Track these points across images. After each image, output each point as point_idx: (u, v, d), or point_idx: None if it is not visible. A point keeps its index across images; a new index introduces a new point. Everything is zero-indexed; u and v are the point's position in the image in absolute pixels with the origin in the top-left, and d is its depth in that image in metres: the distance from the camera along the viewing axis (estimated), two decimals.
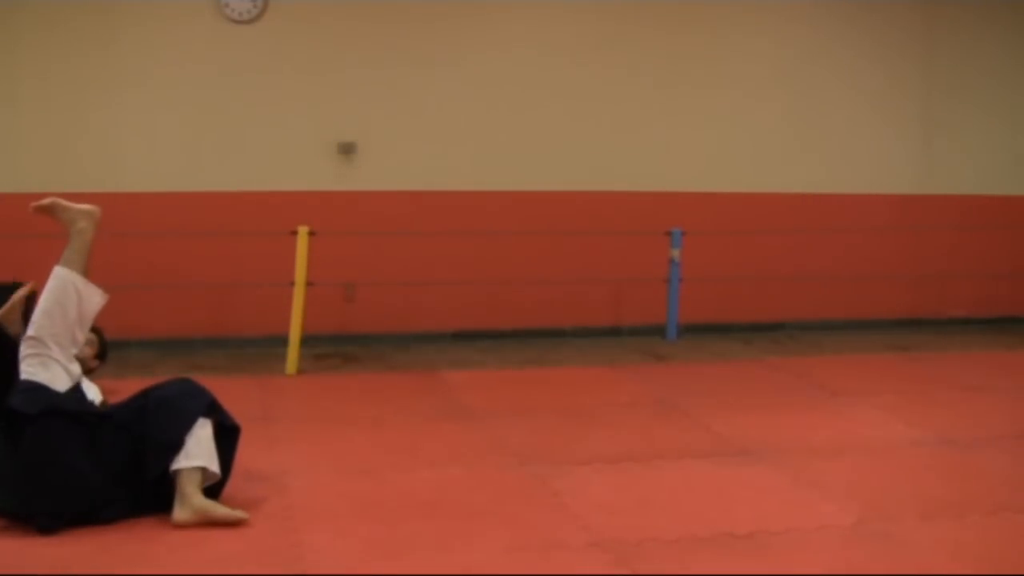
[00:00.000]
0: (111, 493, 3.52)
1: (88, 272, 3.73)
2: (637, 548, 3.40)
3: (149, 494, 3.58)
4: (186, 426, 3.59)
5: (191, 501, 3.50)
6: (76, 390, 3.68)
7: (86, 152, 6.83)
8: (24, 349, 3.63)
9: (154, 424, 3.58)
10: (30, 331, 3.61)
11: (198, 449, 3.58)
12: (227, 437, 3.74)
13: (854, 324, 8.12)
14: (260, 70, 7.02)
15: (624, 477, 4.19)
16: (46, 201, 3.75)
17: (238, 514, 3.53)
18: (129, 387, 4.31)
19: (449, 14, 7.27)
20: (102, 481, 3.51)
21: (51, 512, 3.42)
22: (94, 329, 5.34)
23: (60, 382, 3.60)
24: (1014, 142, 8.40)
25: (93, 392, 4.11)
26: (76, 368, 3.72)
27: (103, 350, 5.44)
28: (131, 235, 6.69)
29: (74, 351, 3.69)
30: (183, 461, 3.55)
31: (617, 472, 4.25)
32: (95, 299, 3.73)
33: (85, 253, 3.73)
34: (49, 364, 3.59)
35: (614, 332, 7.73)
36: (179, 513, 3.50)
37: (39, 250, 6.58)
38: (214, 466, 3.62)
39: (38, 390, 3.52)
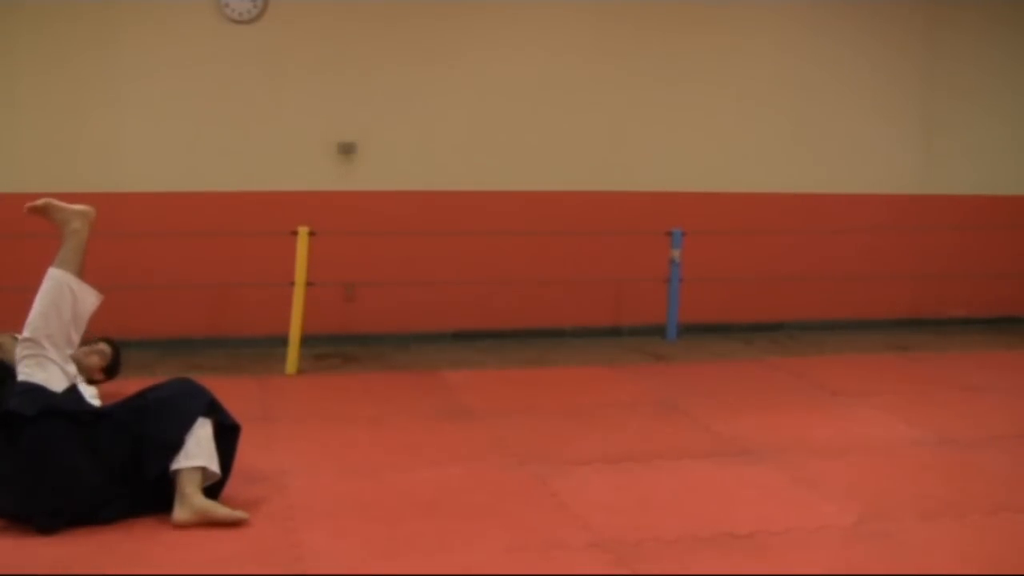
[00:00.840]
0: (110, 493, 3.52)
1: (83, 272, 3.73)
2: (637, 548, 3.40)
3: (148, 494, 3.58)
4: (186, 426, 3.59)
5: (191, 501, 3.50)
6: (73, 390, 3.67)
7: (86, 152, 6.83)
8: (20, 351, 3.63)
9: (153, 424, 3.58)
10: (26, 332, 3.61)
11: (198, 449, 3.58)
12: (227, 436, 3.74)
13: (854, 324, 8.12)
14: (260, 70, 7.02)
15: (624, 477, 4.19)
16: (40, 202, 3.75)
17: (238, 514, 3.53)
18: (129, 387, 4.32)
19: (449, 14, 7.26)
20: (101, 481, 3.50)
21: (50, 512, 3.42)
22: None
23: (57, 382, 3.59)
24: (1014, 142, 8.39)
25: (89, 395, 4.11)
26: (72, 368, 3.72)
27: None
28: (131, 235, 6.70)
29: (69, 351, 3.69)
30: (183, 461, 3.55)
31: (617, 472, 4.25)
32: (90, 299, 3.73)
33: (80, 253, 3.72)
34: (46, 364, 3.58)
35: (614, 332, 7.73)
36: (179, 513, 3.50)
37: (38, 250, 6.61)
38: (214, 466, 3.62)
39: (35, 391, 3.52)
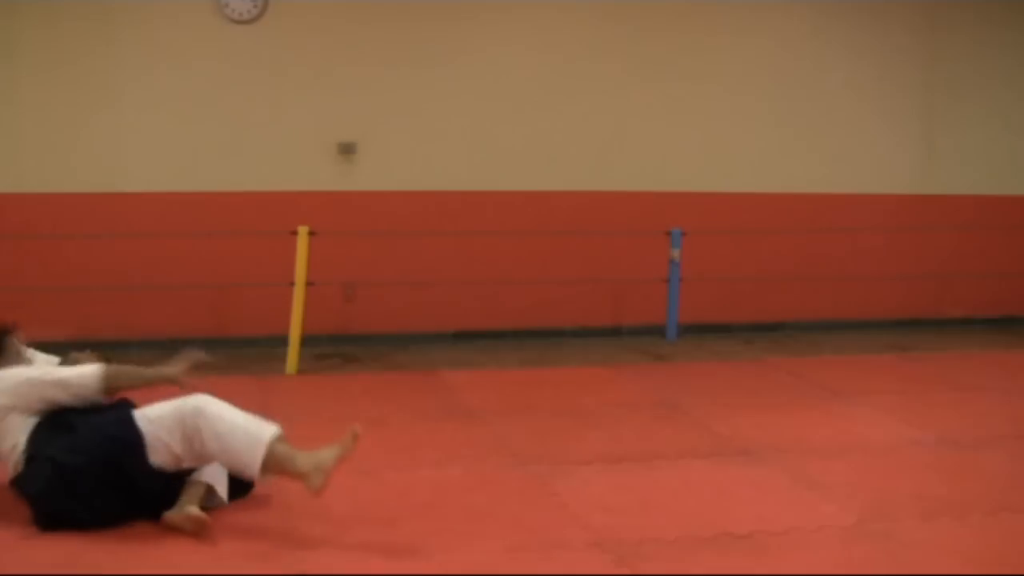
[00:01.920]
0: (110, 493, 3.52)
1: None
2: (637, 548, 3.40)
3: (149, 494, 3.57)
4: None
5: (184, 509, 3.48)
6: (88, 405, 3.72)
7: (86, 152, 6.82)
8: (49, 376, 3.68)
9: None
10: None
11: (211, 469, 3.60)
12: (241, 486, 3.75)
13: (854, 324, 8.12)
14: (260, 70, 7.02)
15: (624, 477, 4.19)
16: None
17: (201, 515, 3.46)
18: None
19: (449, 14, 7.26)
20: (101, 482, 3.50)
21: (51, 512, 3.43)
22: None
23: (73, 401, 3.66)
24: (1014, 142, 8.39)
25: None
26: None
27: None
28: (131, 235, 6.70)
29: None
30: (194, 474, 3.57)
31: (617, 472, 4.25)
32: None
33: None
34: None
35: (614, 332, 7.73)
36: (170, 514, 3.48)
37: (38, 250, 6.62)
38: (221, 490, 3.64)
39: (73, 433, 3.52)
